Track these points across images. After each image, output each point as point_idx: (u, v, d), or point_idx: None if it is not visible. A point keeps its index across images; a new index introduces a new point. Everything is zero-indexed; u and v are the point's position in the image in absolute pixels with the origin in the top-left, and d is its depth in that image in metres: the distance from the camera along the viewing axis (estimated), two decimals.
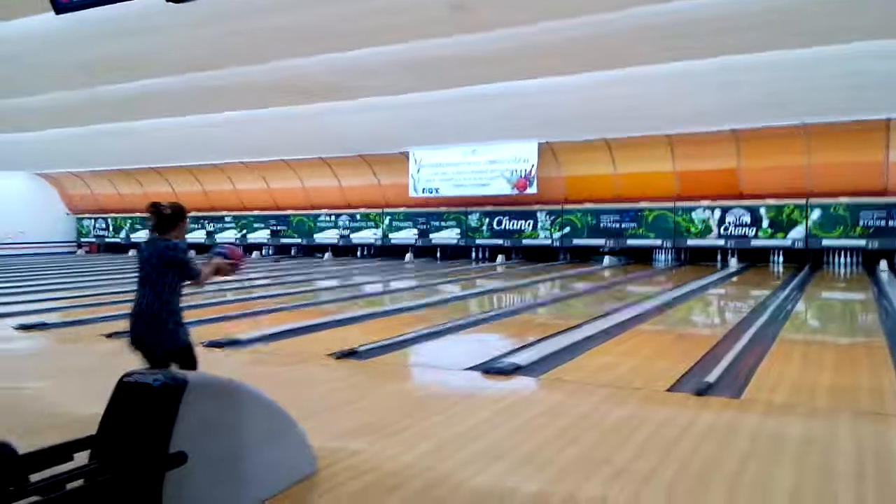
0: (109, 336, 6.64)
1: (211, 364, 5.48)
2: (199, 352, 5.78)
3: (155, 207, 3.38)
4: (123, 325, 7.33)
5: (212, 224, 22.61)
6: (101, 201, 24.77)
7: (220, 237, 22.42)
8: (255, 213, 21.93)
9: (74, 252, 24.87)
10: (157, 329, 3.32)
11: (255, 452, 2.43)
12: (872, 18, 8.56)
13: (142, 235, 23.84)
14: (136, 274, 3.42)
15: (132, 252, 23.54)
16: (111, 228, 24.83)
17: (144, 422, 2.10)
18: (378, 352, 5.81)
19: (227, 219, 22.46)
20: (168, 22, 8.12)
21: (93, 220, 25.26)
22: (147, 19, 8.08)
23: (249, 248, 21.84)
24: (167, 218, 3.38)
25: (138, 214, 24.06)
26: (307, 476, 2.93)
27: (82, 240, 25.44)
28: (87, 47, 9.15)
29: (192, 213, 22.66)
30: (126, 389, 2.18)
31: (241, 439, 2.36)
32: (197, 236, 22.83)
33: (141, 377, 2.16)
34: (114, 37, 8.74)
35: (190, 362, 3.56)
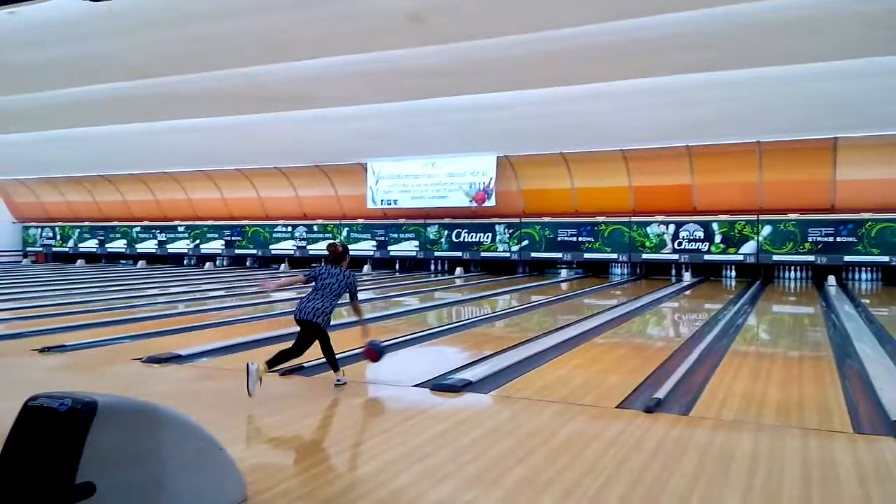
0: (42, 351, 6.32)
1: (147, 380, 5.25)
2: (138, 368, 5.52)
3: (332, 247, 5.24)
4: (59, 339, 6.93)
5: (164, 234, 22.05)
6: (49, 210, 23.98)
7: (172, 247, 21.88)
8: (210, 222, 21.46)
9: (20, 261, 24.02)
10: (320, 314, 4.94)
11: (176, 480, 2.26)
12: (824, 41, 8.80)
13: (91, 245, 23.13)
14: (322, 281, 5.07)
15: (80, 262, 22.82)
16: (59, 237, 24.03)
17: (49, 449, 1.93)
18: (325, 367, 5.64)
19: (179, 228, 21.91)
20: (121, 25, 7.86)
21: (39, 229, 24.42)
22: (98, 22, 7.81)
23: (203, 258, 21.39)
24: (340, 254, 5.21)
25: (87, 223, 23.36)
26: (238, 503, 2.77)
27: (28, 249, 24.58)
28: (38, 49, 8.80)
29: (144, 223, 22.09)
30: (31, 414, 2.00)
31: (159, 467, 2.19)
32: (148, 246, 22.24)
33: (47, 401, 1.98)
34: (66, 40, 8.43)
35: (328, 341, 5.06)
